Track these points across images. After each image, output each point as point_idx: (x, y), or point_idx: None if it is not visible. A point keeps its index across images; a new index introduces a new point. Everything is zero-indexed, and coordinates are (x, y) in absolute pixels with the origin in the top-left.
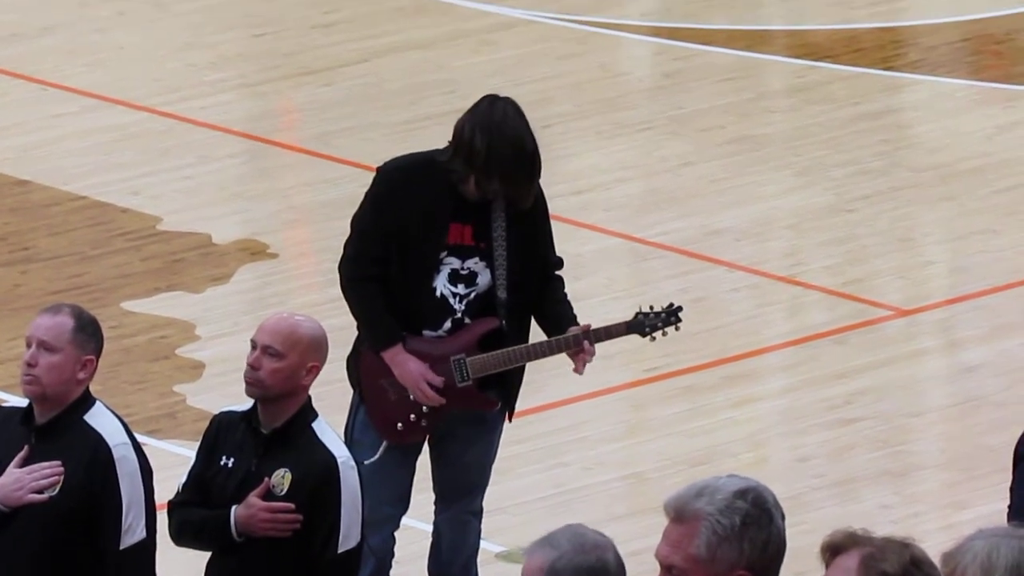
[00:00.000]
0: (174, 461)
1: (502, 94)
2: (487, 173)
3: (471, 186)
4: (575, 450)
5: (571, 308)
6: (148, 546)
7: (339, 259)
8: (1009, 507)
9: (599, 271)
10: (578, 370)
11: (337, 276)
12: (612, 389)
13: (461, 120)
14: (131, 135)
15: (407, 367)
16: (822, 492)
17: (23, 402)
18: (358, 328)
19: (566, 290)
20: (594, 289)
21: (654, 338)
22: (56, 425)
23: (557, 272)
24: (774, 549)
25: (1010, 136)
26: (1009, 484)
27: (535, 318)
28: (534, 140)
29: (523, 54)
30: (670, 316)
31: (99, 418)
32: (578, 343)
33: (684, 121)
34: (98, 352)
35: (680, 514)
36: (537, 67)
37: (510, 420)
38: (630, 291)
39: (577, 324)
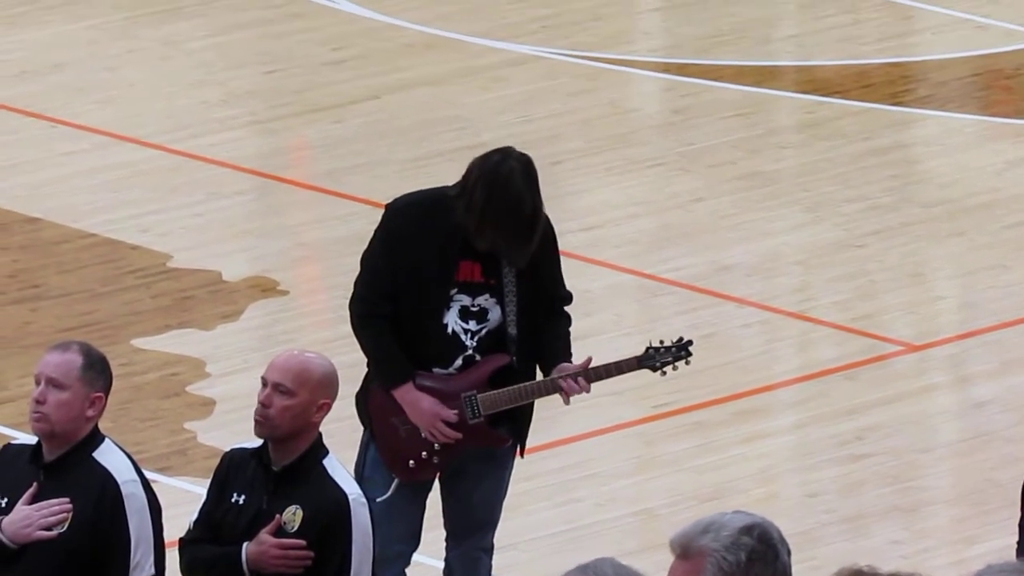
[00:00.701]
0: (185, 498)
1: (518, 145)
2: (480, 226)
3: (468, 231)
4: (586, 486)
5: (568, 347)
6: None
7: (349, 297)
8: (1019, 543)
9: (609, 307)
10: (564, 401)
11: (347, 313)
12: (622, 425)
13: (473, 163)
14: (141, 172)
15: (420, 406)
16: (832, 528)
17: (32, 439)
18: (368, 365)
19: (572, 327)
20: (604, 325)
21: (664, 373)
22: (65, 462)
23: (566, 307)
24: None
25: (1020, 171)
26: (1019, 520)
27: (536, 358)
28: (536, 204)
29: (533, 90)
30: (680, 350)
31: (108, 455)
32: (598, 376)
33: (694, 157)
34: (107, 389)
35: (686, 551)
36: (547, 103)
37: (521, 456)
38: (640, 327)
39: (568, 361)
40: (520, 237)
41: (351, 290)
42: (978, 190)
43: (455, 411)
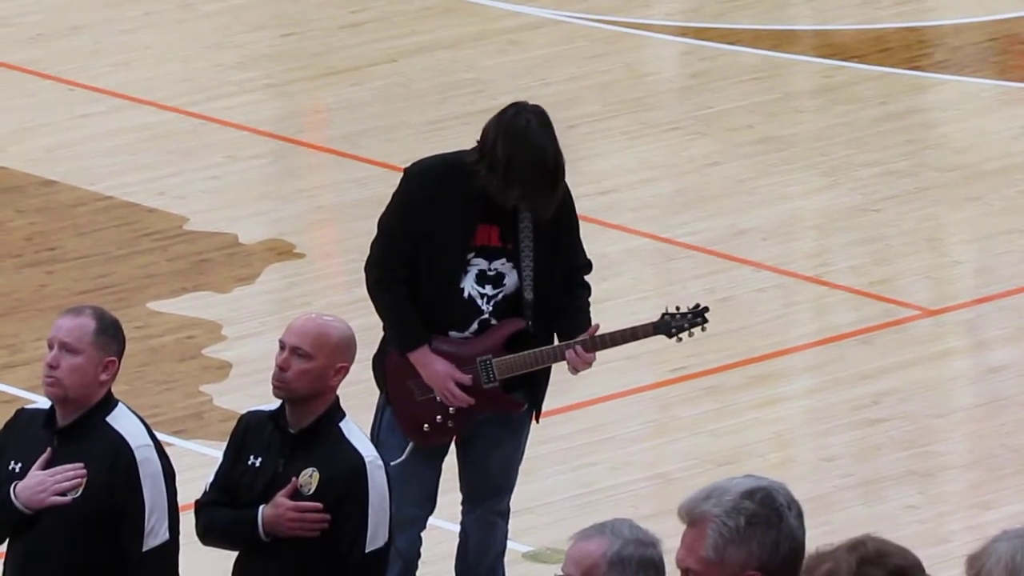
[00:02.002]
0: (201, 461)
1: (531, 100)
2: (506, 182)
3: (494, 190)
4: (601, 450)
5: (588, 319)
6: (171, 548)
7: (365, 260)
8: None
9: (625, 271)
10: (570, 370)
11: (363, 277)
12: (638, 389)
13: (488, 123)
14: (158, 135)
15: (434, 368)
16: (848, 492)
17: (46, 404)
18: (384, 329)
19: (592, 295)
20: (620, 289)
21: (680, 339)
22: (78, 427)
23: (585, 276)
24: (787, 549)
25: None
26: None
27: (553, 324)
28: (557, 151)
29: (550, 54)
30: (696, 317)
31: (121, 420)
32: (614, 342)
33: (711, 121)
34: (120, 354)
35: (691, 517)
36: (564, 67)
37: (537, 421)
38: (656, 291)
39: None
40: (546, 186)
41: (367, 253)
42: (994, 155)
43: (469, 375)
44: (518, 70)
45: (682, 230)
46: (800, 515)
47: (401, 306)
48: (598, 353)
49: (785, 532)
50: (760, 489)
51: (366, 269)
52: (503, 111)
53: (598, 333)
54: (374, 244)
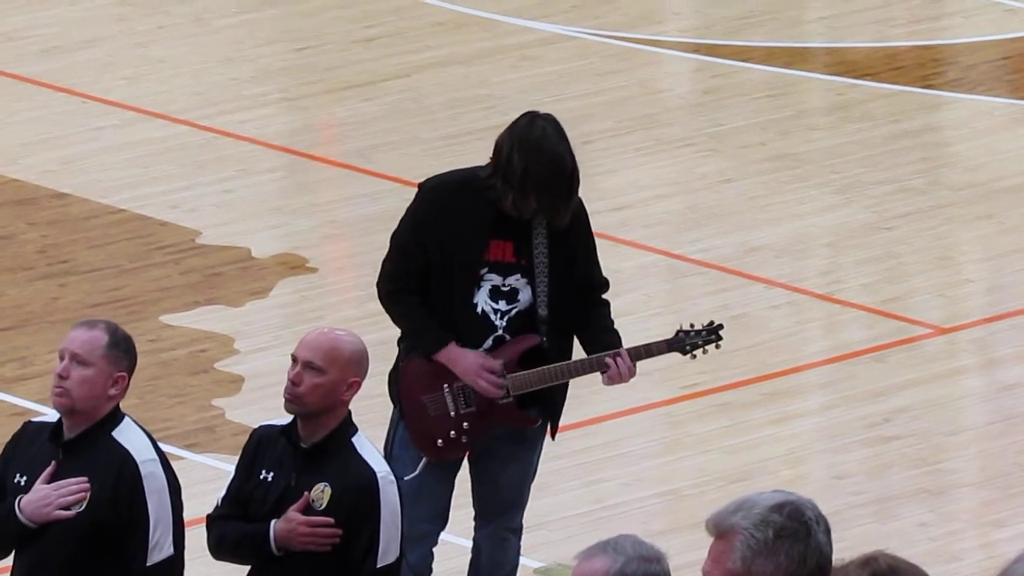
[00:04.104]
0: (212, 475)
1: (543, 111)
2: (523, 192)
3: (510, 204)
4: (614, 466)
5: (619, 337)
6: (176, 563)
7: (377, 276)
8: None
9: (638, 288)
10: (604, 382)
11: (375, 291)
12: (651, 406)
13: (501, 137)
14: (170, 148)
15: (465, 360)
16: (860, 510)
17: (53, 417)
18: (401, 341)
19: (613, 317)
20: (633, 306)
21: (695, 356)
22: (84, 441)
23: (604, 295)
24: (814, 563)
25: None
26: None
27: (582, 345)
28: (573, 159)
29: (563, 70)
30: (711, 334)
31: (127, 434)
32: (633, 357)
33: (723, 138)
34: (131, 370)
35: (719, 529)
36: (577, 83)
37: (553, 438)
38: (669, 308)
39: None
40: (563, 194)
41: (379, 269)
42: (1007, 173)
43: (500, 359)
44: (531, 86)
45: (694, 247)
46: (828, 531)
47: (418, 313)
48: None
49: (813, 546)
50: (789, 503)
51: (378, 284)
52: (516, 121)
53: (615, 350)
54: (386, 259)
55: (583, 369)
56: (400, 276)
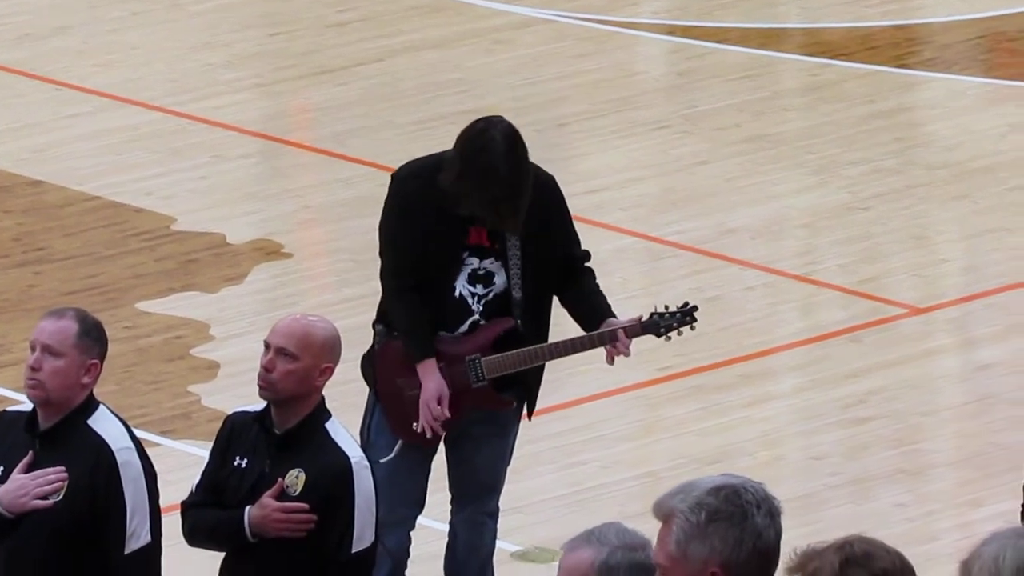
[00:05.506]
0: (189, 461)
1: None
2: (459, 193)
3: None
4: (590, 449)
5: (605, 299)
6: (154, 550)
7: (380, 270)
8: (1023, 505)
9: (614, 270)
10: (607, 361)
11: (351, 276)
12: (626, 388)
13: (461, 131)
14: (145, 135)
15: (428, 384)
16: (837, 491)
17: (28, 406)
18: (376, 324)
19: (597, 281)
20: (609, 288)
21: (669, 338)
22: (60, 430)
23: (587, 264)
24: (750, 547)
25: (1023, 134)
26: (1023, 483)
27: (570, 314)
28: (514, 172)
29: (538, 53)
30: (685, 316)
31: (102, 423)
32: (602, 341)
33: (698, 120)
34: (102, 356)
35: (661, 512)
36: (552, 66)
37: (529, 419)
38: (645, 290)
39: (612, 315)
40: (496, 206)
41: (355, 253)
42: (982, 153)
43: (459, 376)
44: (505, 69)
45: (670, 229)
46: (771, 514)
47: (417, 317)
48: (587, 357)
49: (750, 530)
50: (728, 487)
51: (381, 279)
52: (474, 123)
53: (588, 333)
54: (382, 254)
55: (559, 351)
56: (399, 269)
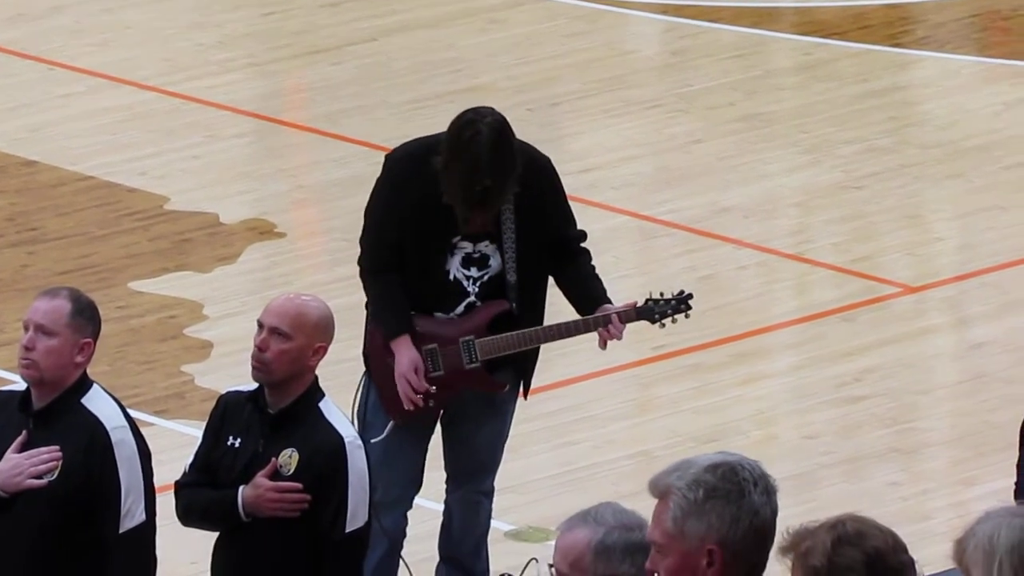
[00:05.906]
0: (182, 441)
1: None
2: (442, 181)
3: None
4: (584, 429)
5: (601, 284)
6: (147, 529)
7: (359, 252)
8: (1017, 484)
9: (607, 249)
10: (600, 345)
11: (344, 255)
12: (620, 367)
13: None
14: (138, 115)
15: (400, 359)
16: (830, 470)
17: (22, 386)
18: (368, 312)
19: (594, 263)
20: (602, 267)
21: (663, 325)
22: (54, 409)
23: (582, 245)
24: (747, 525)
25: (1017, 113)
26: (1017, 461)
27: (566, 296)
28: (493, 168)
29: (531, 32)
30: (680, 304)
31: (96, 402)
32: (596, 325)
33: (692, 99)
34: (96, 336)
35: (658, 490)
36: (545, 45)
37: (525, 397)
38: (638, 269)
39: (608, 301)
40: (471, 200)
41: (348, 233)
42: (976, 132)
43: (452, 356)
44: (498, 49)
45: (663, 208)
46: (767, 492)
47: (389, 295)
48: (580, 337)
49: (747, 508)
50: (724, 464)
51: (359, 261)
52: (461, 115)
53: (581, 317)
54: (363, 235)
55: (554, 334)
56: (378, 251)
